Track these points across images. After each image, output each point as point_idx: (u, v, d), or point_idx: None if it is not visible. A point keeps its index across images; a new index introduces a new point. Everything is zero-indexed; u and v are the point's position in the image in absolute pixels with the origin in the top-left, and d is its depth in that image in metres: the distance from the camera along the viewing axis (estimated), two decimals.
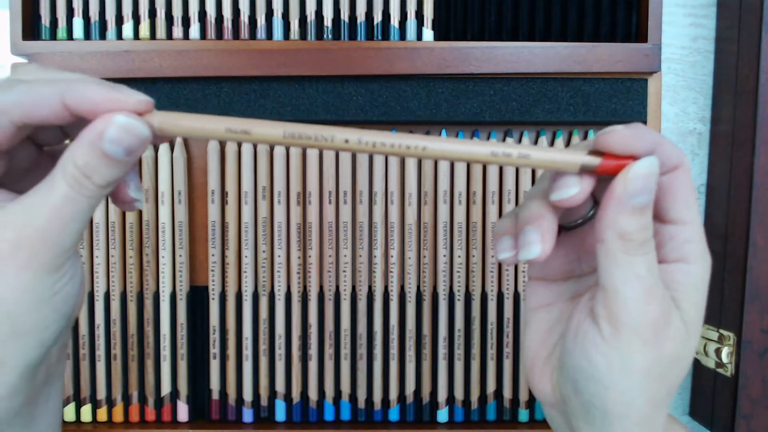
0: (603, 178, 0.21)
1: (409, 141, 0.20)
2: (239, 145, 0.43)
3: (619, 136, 0.20)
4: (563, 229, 0.24)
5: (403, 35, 0.42)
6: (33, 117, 0.19)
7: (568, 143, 0.44)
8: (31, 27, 0.42)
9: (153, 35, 0.42)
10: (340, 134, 0.20)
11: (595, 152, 0.20)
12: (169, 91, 0.41)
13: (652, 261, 0.20)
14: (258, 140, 0.20)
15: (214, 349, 0.44)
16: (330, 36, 0.42)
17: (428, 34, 0.42)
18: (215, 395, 0.44)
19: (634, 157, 0.20)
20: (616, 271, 0.20)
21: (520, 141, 0.43)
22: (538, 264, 0.25)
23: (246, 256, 0.43)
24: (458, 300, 0.43)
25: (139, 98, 0.20)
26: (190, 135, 0.20)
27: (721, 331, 0.43)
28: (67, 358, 0.43)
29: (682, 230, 0.21)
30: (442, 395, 0.44)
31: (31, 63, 0.21)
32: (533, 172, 0.43)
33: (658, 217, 0.22)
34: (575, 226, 0.24)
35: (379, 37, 0.42)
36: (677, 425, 0.26)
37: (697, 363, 0.46)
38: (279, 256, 0.43)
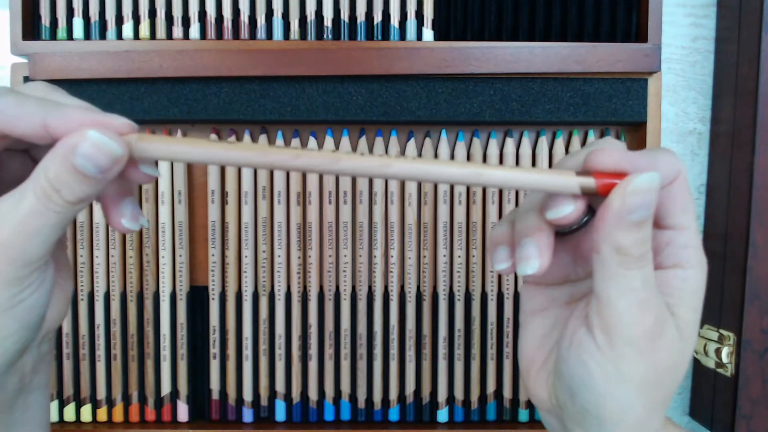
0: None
1: (399, 165, 0.19)
2: None
3: (617, 155, 0.20)
4: (558, 234, 0.24)
5: (403, 35, 0.42)
6: (11, 129, 0.19)
7: (568, 143, 0.44)
8: (31, 27, 0.42)
9: (153, 35, 0.42)
10: (345, 162, 0.19)
11: (584, 172, 0.20)
12: (169, 91, 0.41)
13: (648, 273, 0.20)
14: (235, 164, 0.20)
15: (214, 349, 0.44)
16: (330, 36, 0.42)
17: (428, 34, 0.42)
18: (215, 395, 0.44)
19: (626, 174, 0.20)
20: (610, 283, 0.20)
21: (520, 141, 0.43)
22: None
23: (246, 256, 0.43)
24: (458, 300, 0.43)
25: (122, 122, 0.19)
26: (168, 158, 0.20)
27: (721, 331, 0.43)
28: (67, 358, 0.43)
29: (679, 235, 0.21)
30: (442, 395, 0.44)
31: (42, 82, 0.21)
32: None
33: (655, 222, 0.21)
34: (570, 231, 0.24)
35: (379, 37, 0.42)
36: (674, 427, 0.26)
37: (697, 363, 0.46)
38: (279, 256, 0.43)
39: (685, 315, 0.21)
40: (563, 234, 0.24)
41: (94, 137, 0.18)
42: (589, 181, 0.20)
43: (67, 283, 0.23)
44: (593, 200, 0.22)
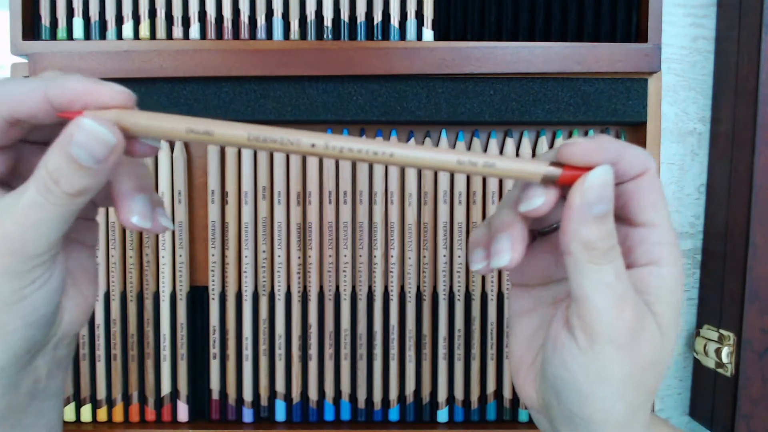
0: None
1: (376, 147, 0.20)
2: None
3: (578, 148, 0.20)
4: (539, 234, 0.24)
5: (403, 35, 0.42)
6: (19, 111, 0.19)
7: None
8: (31, 27, 0.42)
9: (153, 35, 0.42)
10: (306, 138, 0.20)
11: (557, 163, 0.20)
12: (169, 91, 0.41)
13: (620, 267, 0.20)
14: (221, 142, 0.20)
15: (214, 349, 0.44)
16: (330, 36, 0.42)
17: (428, 34, 0.42)
18: (215, 395, 0.44)
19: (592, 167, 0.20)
20: (585, 281, 0.20)
21: (520, 141, 0.43)
22: (517, 270, 0.25)
23: (246, 256, 0.43)
24: (458, 300, 0.43)
25: (115, 89, 0.19)
26: (149, 134, 0.20)
27: (721, 331, 0.43)
28: None
29: (651, 233, 0.21)
30: (442, 395, 0.44)
31: (53, 70, 0.21)
32: None
33: (627, 220, 0.22)
34: (550, 231, 0.24)
35: (379, 37, 0.42)
36: (662, 425, 0.26)
37: (697, 363, 0.46)
38: (279, 256, 0.43)
39: (664, 312, 0.21)
40: (544, 234, 0.24)
41: (87, 125, 0.18)
42: (553, 172, 0.20)
43: (90, 289, 0.23)
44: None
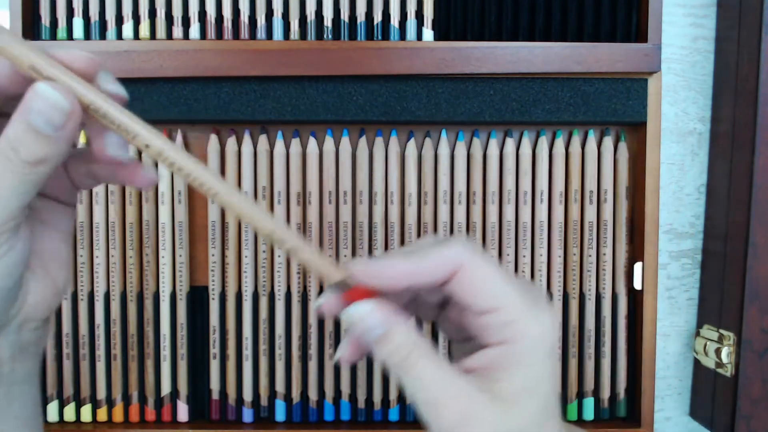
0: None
1: (206, 179, 0.20)
2: (239, 144, 0.43)
3: (360, 269, 0.21)
4: (440, 306, 0.25)
5: (403, 35, 0.42)
6: None
7: (568, 143, 0.44)
8: (31, 27, 0.42)
9: (153, 35, 0.42)
10: (146, 136, 0.20)
11: (352, 276, 0.21)
12: (169, 91, 0.41)
13: (423, 375, 0.21)
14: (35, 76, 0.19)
15: (214, 349, 0.44)
16: (330, 36, 0.42)
17: (428, 34, 0.42)
18: (215, 395, 0.44)
19: (377, 292, 0.21)
20: (406, 388, 0.21)
21: (520, 141, 0.43)
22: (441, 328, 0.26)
23: (246, 256, 0.43)
24: None
25: (79, 55, 0.19)
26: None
27: (721, 331, 0.43)
28: (67, 358, 0.43)
29: (494, 317, 0.21)
30: None
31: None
32: (533, 172, 0.43)
33: (471, 310, 0.22)
34: (442, 307, 0.25)
35: (379, 37, 0.42)
36: None
37: (697, 363, 0.46)
38: (279, 256, 0.43)
39: (511, 387, 0.21)
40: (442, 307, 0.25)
41: (43, 91, 0.18)
42: (343, 283, 0.22)
43: (60, 274, 0.23)
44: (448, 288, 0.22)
